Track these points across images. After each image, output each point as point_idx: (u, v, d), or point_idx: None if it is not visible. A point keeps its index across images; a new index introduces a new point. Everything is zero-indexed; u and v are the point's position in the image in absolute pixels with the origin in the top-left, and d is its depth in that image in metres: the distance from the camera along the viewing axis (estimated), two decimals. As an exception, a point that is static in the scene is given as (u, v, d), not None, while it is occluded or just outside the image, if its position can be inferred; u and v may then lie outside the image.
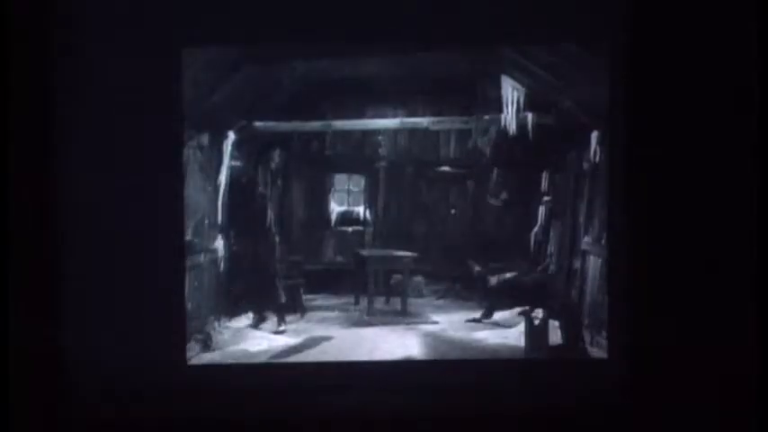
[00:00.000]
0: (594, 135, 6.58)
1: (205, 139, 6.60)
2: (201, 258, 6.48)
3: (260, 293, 7.41)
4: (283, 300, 7.50)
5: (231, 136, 7.16)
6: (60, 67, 4.27)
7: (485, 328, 7.06)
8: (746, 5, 4.17)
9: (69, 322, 4.30)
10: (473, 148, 9.04)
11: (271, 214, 8.17)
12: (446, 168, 9.33)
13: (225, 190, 7.16)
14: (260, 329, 6.92)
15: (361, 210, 9.46)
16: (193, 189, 6.29)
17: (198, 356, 5.75)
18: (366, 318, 7.62)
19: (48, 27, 4.20)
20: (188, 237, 5.75)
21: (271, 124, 7.86)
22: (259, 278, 7.49)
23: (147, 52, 4.41)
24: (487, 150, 8.78)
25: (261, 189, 7.88)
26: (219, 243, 6.98)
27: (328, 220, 9.32)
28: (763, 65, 4.12)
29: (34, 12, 4.11)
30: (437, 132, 9.13)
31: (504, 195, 9.19)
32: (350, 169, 9.46)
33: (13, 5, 3.99)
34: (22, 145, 4.06)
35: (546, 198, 8.42)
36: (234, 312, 7.23)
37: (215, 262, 6.91)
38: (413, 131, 9.02)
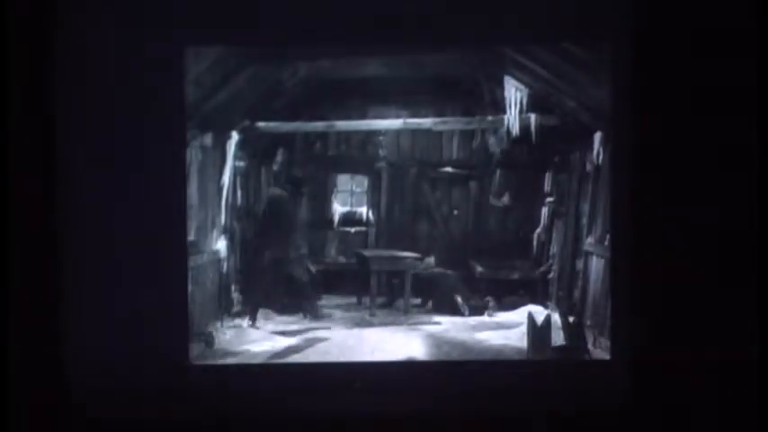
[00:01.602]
0: (598, 136, 6.56)
1: (208, 139, 6.59)
2: (204, 258, 6.47)
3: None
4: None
5: (234, 136, 7.15)
6: (61, 67, 4.24)
7: (487, 329, 7.04)
8: (748, 4, 4.15)
9: (70, 322, 4.27)
10: (479, 149, 9.03)
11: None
12: (449, 169, 9.31)
13: (229, 190, 7.15)
14: (258, 329, 6.92)
15: (363, 210, 9.44)
16: (196, 189, 6.29)
17: (200, 357, 5.74)
18: (368, 318, 7.61)
19: (48, 26, 4.18)
20: (191, 237, 5.74)
21: (273, 125, 7.84)
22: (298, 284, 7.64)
23: (149, 52, 4.39)
24: (498, 151, 8.76)
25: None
26: (222, 243, 6.96)
27: (331, 220, 9.31)
28: (765, 64, 4.09)
29: (34, 11, 4.09)
30: (440, 133, 9.11)
31: (506, 196, 9.17)
32: (353, 170, 9.45)
33: (14, 5, 3.97)
34: (23, 145, 4.04)
35: (549, 199, 8.41)
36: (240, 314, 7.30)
37: (218, 262, 6.90)
38: (415, 132, 9.00)
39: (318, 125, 8.34)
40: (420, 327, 7.18)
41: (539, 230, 8.58)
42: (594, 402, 4.35)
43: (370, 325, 7.29)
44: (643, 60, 4.30)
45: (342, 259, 9.11)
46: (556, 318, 6.15)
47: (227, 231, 7.10)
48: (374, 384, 4.56)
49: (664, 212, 4.31)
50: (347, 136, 9.26)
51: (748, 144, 4.18)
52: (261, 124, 7.64)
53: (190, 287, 4.91)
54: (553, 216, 8.31)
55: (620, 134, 4.55)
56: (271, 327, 7.05)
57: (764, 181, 4.11)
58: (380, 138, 9.23)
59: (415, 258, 8.21)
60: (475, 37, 4.69)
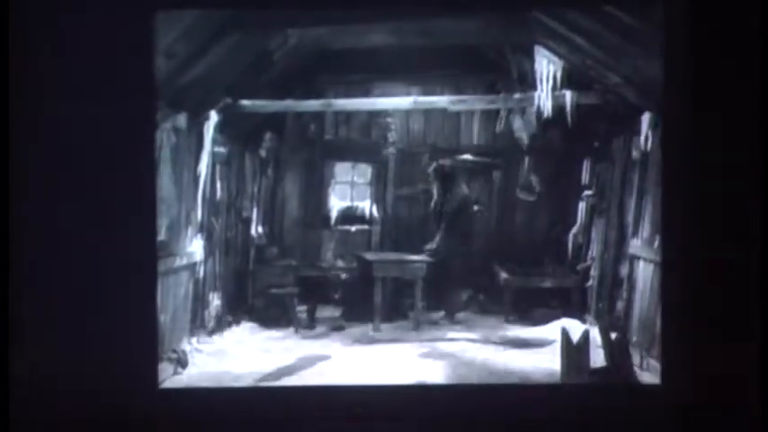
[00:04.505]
0: (646, 117, 6.56)
1: (182, 120, 6.59)
2: (177, 262, 6.48)
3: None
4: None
5: (213, 117, 7.16)
6: (14, 34, 4.25)
7: (513, 347, 7.06)
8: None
9: (21, 338, 4.29)
10: (504, 133, 9.02)
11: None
12: (468, 157, 9.32)
13: (206, 180, 7.16)
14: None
15: (366, 205, 9.47)
16: (168, 179, 6.29)
17: (171, 379, 5.76)
18: (371, 334, 7.62)
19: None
20: (161, 236, 5.75)
21: (260, 103, 7.85)
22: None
23: (113, 18, 4.39)
24: (526, 136, 8.77)
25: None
26: (198, 244, 6.98)
27: (328, 217, 9.33)
28: None
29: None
30: (457, 114, 9.13)
31: (537, 189, 9.18)
32: (354, 157, 9.47)
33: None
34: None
35: (587, 192, 8.41)
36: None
37: (193, 266, 6.91)
38: (428, 113, 9.02)
39: (313, 104, 8.35)
40: (432, 344, 7.19)
41: (575, 230, 8.59)
42: (641, 435, 4.36)
43: (374, 342, 7.30)
44: (701, 27, 4.28)
45: (340, 264, 9.12)
46: (595, 334, 6.15)
47: (205, 230, 7.11)
48: (379, 412, 4.57)
49: (725, 208, 4.30)
50: (347, 117, 9.28)
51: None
52: (245, 102, 7.65)
53: (159, 296, 4.92)
54: (592, 213, 8.32)
55: (673, 114, 4.54)
56: (257, 344, 7.09)
57: None
58: (387, 119, 9.24)
59: (427, 263, 8.22)
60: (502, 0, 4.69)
